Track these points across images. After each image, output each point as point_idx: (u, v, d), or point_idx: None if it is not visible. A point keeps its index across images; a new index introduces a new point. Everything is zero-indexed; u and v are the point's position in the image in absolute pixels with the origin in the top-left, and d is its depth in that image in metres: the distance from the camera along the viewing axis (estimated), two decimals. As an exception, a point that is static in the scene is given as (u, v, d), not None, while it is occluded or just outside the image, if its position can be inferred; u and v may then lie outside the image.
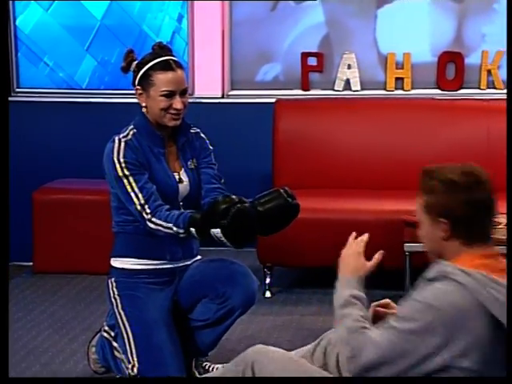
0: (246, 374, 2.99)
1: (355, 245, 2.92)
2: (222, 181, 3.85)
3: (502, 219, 4.58)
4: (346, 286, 2.78)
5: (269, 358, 2.99)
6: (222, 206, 3.43)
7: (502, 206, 4.73)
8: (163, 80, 3.63)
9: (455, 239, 2.64)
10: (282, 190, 3.60)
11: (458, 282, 2.53)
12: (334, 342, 3.16)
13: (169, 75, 3.64)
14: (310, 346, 3.29)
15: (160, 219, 3.55)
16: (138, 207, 3.57)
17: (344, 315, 2.70)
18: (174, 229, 3.52)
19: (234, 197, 3.48)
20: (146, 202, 3.57)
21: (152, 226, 3.56)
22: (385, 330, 2.60)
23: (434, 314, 2.52)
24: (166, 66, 3.65)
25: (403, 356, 2.56)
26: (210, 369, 3.58)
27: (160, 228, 3.56)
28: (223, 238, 3.40)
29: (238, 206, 3.44)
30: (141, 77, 3.68)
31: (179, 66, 3.70)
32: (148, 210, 3.56)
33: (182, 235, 3.52)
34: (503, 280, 2.55)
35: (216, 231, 3.41)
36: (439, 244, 2.68)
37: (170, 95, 3.63)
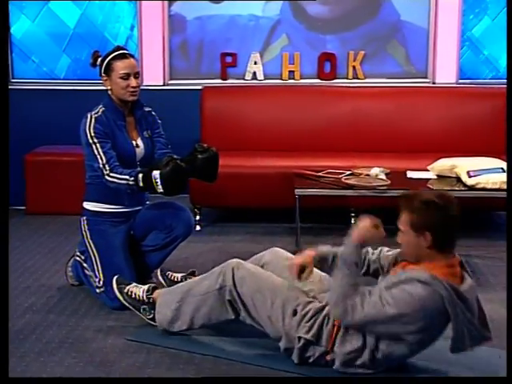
0: (226, 275, 2.93)
1: (373, 219, 2.69)
2: (169, 146, 3.84)
3: (364, 171, 4.59)
4: (356, 252, 2.65)
5: (245, 267, 2.96)
6: (165, 160, 3.44)
7: (368, 160, 4.78)
8: (120, 66, 3.61)
9: (433, 248, 2.57)
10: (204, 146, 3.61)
11: (440, 294, 2.49)
12: (269, 262, 3.12)
13: (124, 62, 3.61)
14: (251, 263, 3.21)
15: (116, 173, 3.52)
16: (101, 165, 3.54)
17: (344, 274, 2.61)
18: (126, 177, 3.48)
19: (175, 157, 3.49)
20: (107, 162, 3.54)
21: (109, 178, 3.53)
22: (372, 307, 2.55)
23: (421, 312, 2.51)
24: (121, 56, 3.64)
25: (381, 324, 2.56)
26: (172, 277, 3.53)
27: (115, 180, 3.52)
28: (158, 181, 3.37)
29: (177, 162, 3.44)
30: (105, 67, 3.64)
31: (132, 56, 3.69)
32: (107, 168, 3.53)
33: (131, 182, 3.47)
34: (460, 287, 2.54)
35: (156, 173, 3.38)
36: (420, 251, 2.58)
37: (126, 77, 3.60)
